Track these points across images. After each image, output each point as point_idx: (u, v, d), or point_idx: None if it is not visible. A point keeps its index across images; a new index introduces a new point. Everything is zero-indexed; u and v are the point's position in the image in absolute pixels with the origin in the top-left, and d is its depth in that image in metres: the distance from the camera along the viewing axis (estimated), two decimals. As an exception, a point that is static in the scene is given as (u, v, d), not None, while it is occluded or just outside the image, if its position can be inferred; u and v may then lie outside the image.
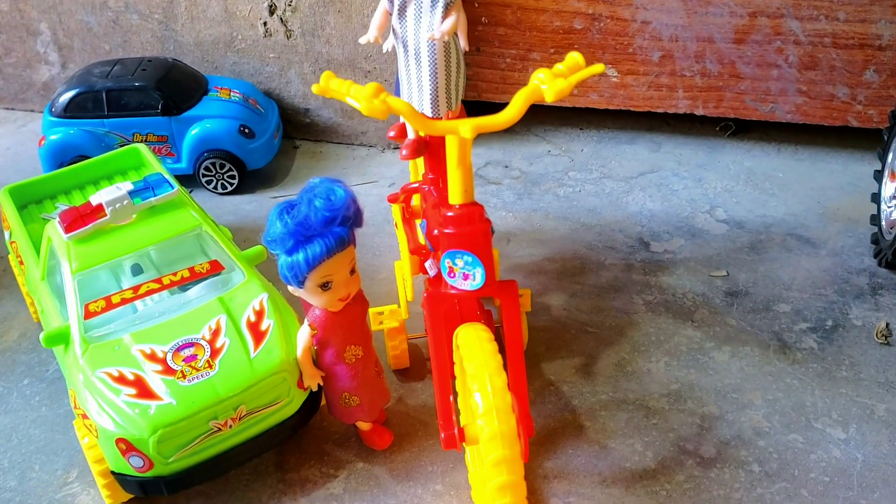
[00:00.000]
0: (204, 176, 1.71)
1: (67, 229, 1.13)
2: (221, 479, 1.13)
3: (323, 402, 1.17)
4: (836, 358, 1.28)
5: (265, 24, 1.80)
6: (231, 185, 1.73)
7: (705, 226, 1.57)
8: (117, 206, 1.15)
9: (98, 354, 1.06)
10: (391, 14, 1.09)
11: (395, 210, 1.32)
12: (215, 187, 1.73)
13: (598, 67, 0.91)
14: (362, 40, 1.09)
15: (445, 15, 1.05)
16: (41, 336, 1.10)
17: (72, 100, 1.68)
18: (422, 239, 1.27)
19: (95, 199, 1.16)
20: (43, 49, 1.99)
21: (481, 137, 1.86)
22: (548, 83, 0.91)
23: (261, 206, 1.70)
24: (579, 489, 1.11)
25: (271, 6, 1.77)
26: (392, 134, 1.20)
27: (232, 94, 1.75)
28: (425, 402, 1.25)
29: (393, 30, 1.10)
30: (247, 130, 1.70)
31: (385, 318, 1.26)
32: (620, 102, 1.79)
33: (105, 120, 1.68)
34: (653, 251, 1.51)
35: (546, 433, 1.18)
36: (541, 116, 1.93)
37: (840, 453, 1.14)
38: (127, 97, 1.67)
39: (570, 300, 1.41)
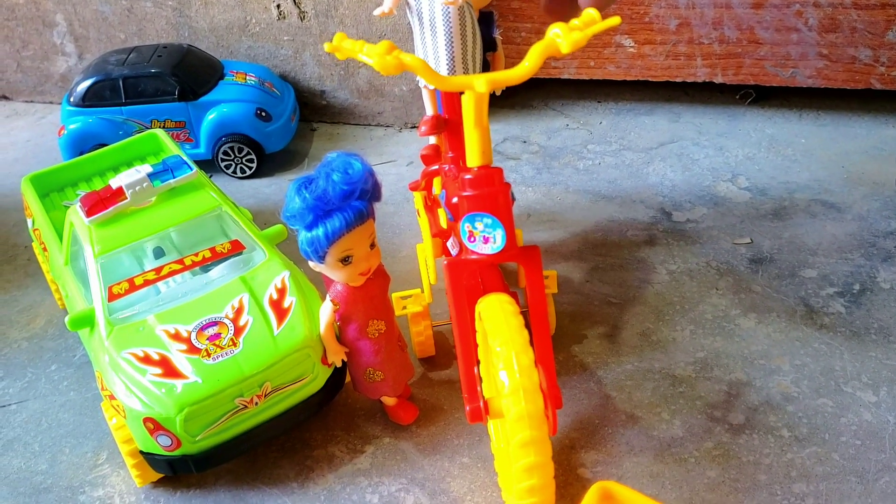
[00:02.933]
0: (223, 160, 1.72)
1: (89, 213, 1.14)
2: (249, 457, 1.14)
3: (348, 378, 1.17)
4: (864, 321, 1.26)
5: (278, 6, 1.80)
6: (250, 168, 1.73)
7: (727, 194, 1.55)
8: (137, 188, 1.16)
9: (123, 336, 1.07)
10: None
11: (418, 197, 1.30)
12: (234, 171, 1.73)
13: (614, 20, 0.89)
14: (376, 12, 1.09)
15: None
16: (66, 320, 1.11)
17: (89, 89, 1.68)
18: (444, 222, 1.26)
19: (115, 182, 1.16)
20: (59, 40, 2.00)
21: (499, 112, 1.85)
22: (563, 37, 0.89)
23: (280, 188, 1.70)
24: (607, 458, 1.10)
25: (284, -12, 1.77)
26: (423, 129, 1.18)
27: (248, 77, 1.75)
28: (449, 376, 1.24)
29: (407, 4, 1.09)
30: (264, 114, 1.70)
31: (409, 302, 1.25)
32: (638, 73, 1.77)
33: (123, 107, 1.68)
34: (675, 221, 1.50)
35: (572, 404, 1.17)
36: (558, 90, 1.91)
37: (871, 416, 1.12)
38: (144, 84, 1.67)
39: (593, 272, 1.40)
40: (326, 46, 0.91)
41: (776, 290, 1.33)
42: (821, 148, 1.66)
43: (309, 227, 0.99)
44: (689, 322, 1.29)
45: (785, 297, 1.32)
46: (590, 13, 0.90)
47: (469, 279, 1.06)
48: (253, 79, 1.75)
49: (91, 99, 1.69)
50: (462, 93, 0.94)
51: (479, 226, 0.96)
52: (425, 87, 1.20)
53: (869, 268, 1.36)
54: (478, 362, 1.04)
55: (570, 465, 1.09)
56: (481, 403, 1.00)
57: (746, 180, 1.59)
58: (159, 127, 1.68)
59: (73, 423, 1.22)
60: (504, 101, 1.87)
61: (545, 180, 1.64)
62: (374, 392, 1.15)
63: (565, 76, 1.82)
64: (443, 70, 1.10)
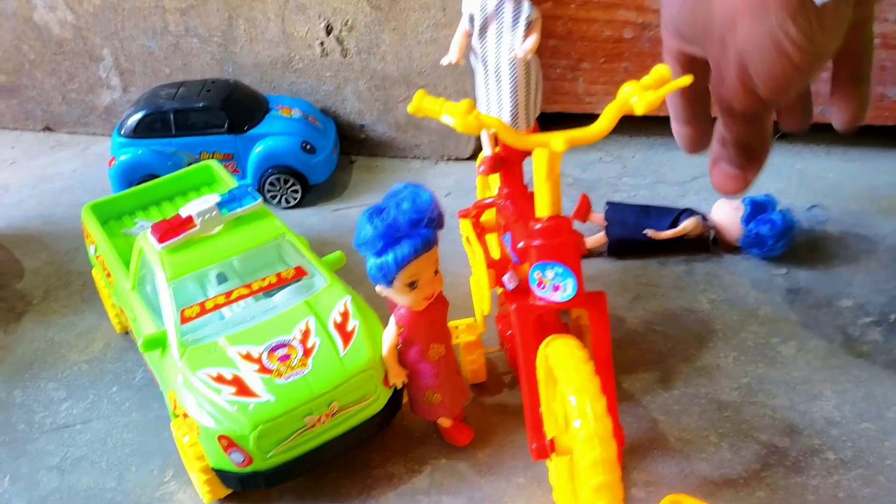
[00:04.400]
0: (268, 191, 1.77)
1: (160, 240, 1.19)
2: (312, 476, 1.18)
3: (405, 400, 1.21)
4: (901, 349, 1.31)
5: (322, 43, 1.86)
6: (294, 199, 1.78)
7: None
8: (206, 217, 1.21)
9: (196, 357, 1.11)
10: (471, 35, 1.13)
11: (465, 225, 1.34)
12: (279, 202, 1.78)
13: (685, 79, 0.92)
14: (444, 62, 1.13)
15: (527, 34, 1.09)
16: (139, 342, 1.15)
17: (140, 121, 1.74)
18: (494, 254, 1.30)
19: (185, 210, 1.21)
20: (105, 74, 2.07)
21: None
22: (637, 95, 0.92)
23: (323, 218, 1.76)
24: (658, 479, 1.14)
25: (328, 26, 1.83)
26: (483, 169, 1.22)
27: (293, 112, 1.81)
28: (501, 401, 1.29)
29: (472, 49, 1.14)
30: (308, 146, 1.76)
31: (461, 332, 1.28)
32: (671, 109, 1.83)
33: (173, 139, 1.74)
34: (713, 252, 1.54)
35: (622, 428, 1.21)
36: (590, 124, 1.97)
37: (914, 441, 1.16)
38: (194, 117, 1.73)
39: (636, 301, 1.45)
40: (409, 108, 0.95)
41: (814, 318, 1.38)
42: (850, 182, 1.72)
43: (379, 254, 1.04)
44: (732, 349, 1.33)
45: (822, 325, 1.36)
46: (659, 69, 0.93)
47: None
48: (297, 113, 1.81)
49: (142, 131, 1.75)
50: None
51: (550, 274, 0.99)
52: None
53: (903, 298, 1.41)
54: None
55: (623, 486, 1.13)
56: (547, 442, 1.03)
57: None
58: (208, 158, 1.74)
59: (137, 443, 1.26)
60: (538, 136, 1.93)
61: (582, 212, 1.69)
62: (432, 414, 1.19)
63: (598, 111, 1.87)
64: (506, 116, 1.15)
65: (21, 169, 2.06)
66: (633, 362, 1.32)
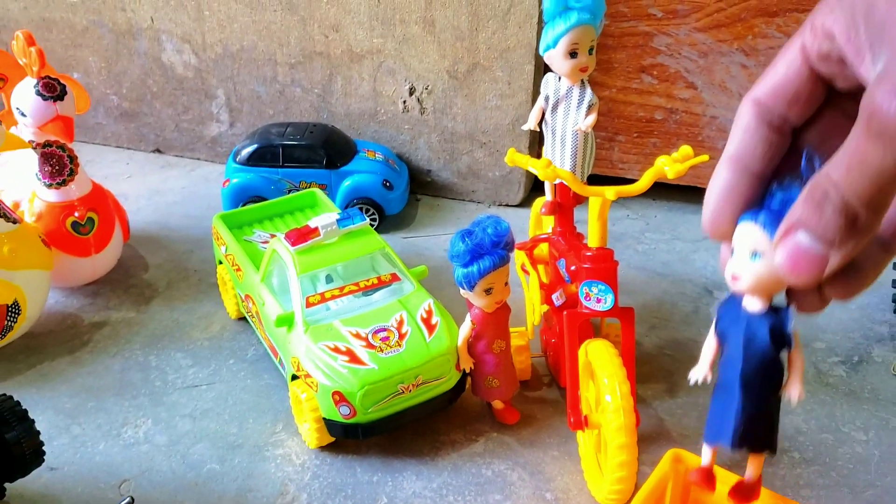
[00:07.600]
0: (352, 218, 2.13)
1: (293, 244, 1.54)
2: (392, 437, 1.51)
3: (468, 385, 1.55)
4: (860, 384, 1.64)
5: (404, 102, 2.24)
6: (372, 226, 2.14)
7: (758, 281, 1.95)
8: (328, 229, 1.57)
9: (317, 332, 1.46)
10: (545, 110, 1.50)
11: (520, 255, 1.69)
12: (360, 228, 2.15)
13: (703, 158, 1.29)
14: (524, 128, 1.50)
15: (588, 113, 1.46)
16: (273, 318, 1.50)
17: (254, 151, 2.12)
18: (544, 277, 1.65)
19: (313, 223, 1.57)
20: (216, 110, 2.45)
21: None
22: (669, 166, 1.29)
23: (395, 244, 2.11)
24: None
25: (411, 89, 2.22)
26: (544, 211, 1.58)
27: (376, 155, 2.18)
28: (541, 395, 1.62)
29: (545, 120, 1.52)
30: (388, 184, 2.13)
31: (513, 337, 1.60)
32: (689, 180, 2.19)
33: (279, 169, 2.11)
34: (716, 297, 1.89)
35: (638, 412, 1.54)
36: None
37: (861, 449, 1.49)
38: (298, 152, 2.10)
39: (651, 329, 1.79)
40: (506, 159, 1.33)
41: (793, 355, 1.72)
42: (833, 253, 2.07)
43: (466, 265, 1.39)
44: (726, 372, 1.67)
45: (800, 361, 1.70)
46: (685, 148, 1.31)
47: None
48: (380, 156, 2.19)
49: (254, 160, 2.12)
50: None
51: (595, 290, 1.36)
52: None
53: (866, 345, 1.74)
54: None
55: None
56: (582, 417, 1.38)
57: (773, 272, 1.99)
58: (306, 187, 2.11)
59: (252, 402, 1.60)
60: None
61: (611, 258, 2.04)
62: (490, 396, 1.53)
63: (629, 176, 2.24)
64: None
65: (137, 182, 2.43)
66: (647, 375, 1.66)
